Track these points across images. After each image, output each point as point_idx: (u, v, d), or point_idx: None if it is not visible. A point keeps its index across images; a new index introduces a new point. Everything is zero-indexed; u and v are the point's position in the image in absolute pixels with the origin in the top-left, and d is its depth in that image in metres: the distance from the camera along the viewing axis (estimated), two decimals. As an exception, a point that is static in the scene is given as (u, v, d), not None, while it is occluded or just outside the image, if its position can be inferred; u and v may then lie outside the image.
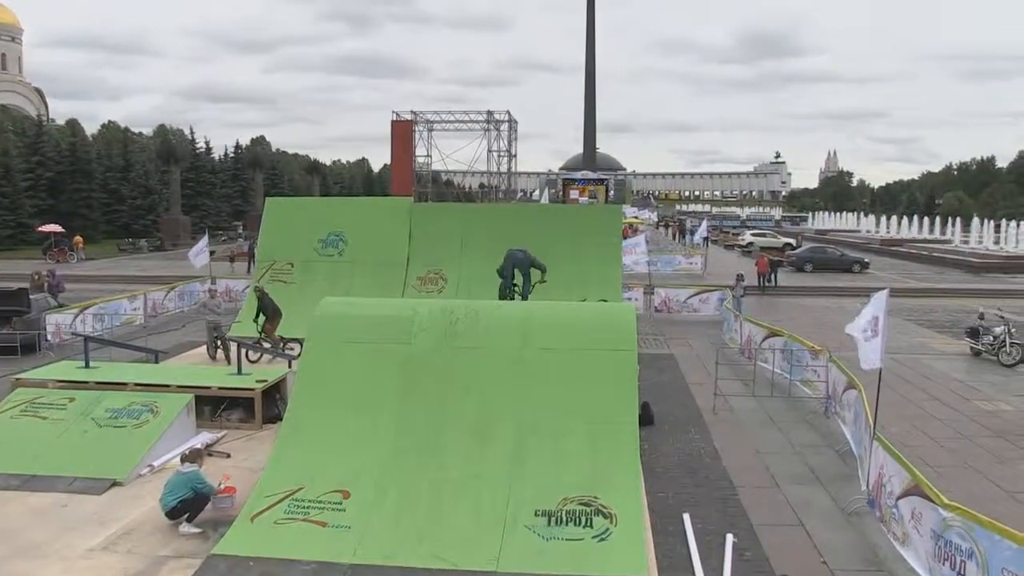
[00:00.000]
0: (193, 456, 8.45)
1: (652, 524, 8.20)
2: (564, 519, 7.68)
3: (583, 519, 7.67)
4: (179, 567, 7.25)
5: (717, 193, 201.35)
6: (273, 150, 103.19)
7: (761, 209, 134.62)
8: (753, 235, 51.30)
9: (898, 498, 7.68)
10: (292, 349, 14.75)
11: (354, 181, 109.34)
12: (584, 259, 17.35)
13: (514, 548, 7.38)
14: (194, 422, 10.81)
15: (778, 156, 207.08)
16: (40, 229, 44.20)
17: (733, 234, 58.92)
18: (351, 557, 7.33)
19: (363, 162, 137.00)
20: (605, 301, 14.15)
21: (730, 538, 8.13)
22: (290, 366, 13.30)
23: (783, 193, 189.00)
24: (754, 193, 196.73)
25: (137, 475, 9.38)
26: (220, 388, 11.42)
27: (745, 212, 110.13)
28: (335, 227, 18.76)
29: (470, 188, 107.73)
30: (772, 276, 30.55)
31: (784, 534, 8.42)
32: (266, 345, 15.28)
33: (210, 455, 9.63)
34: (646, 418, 11.77)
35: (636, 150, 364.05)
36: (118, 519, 8.24)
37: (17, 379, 11.60)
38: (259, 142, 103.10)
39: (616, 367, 9.06)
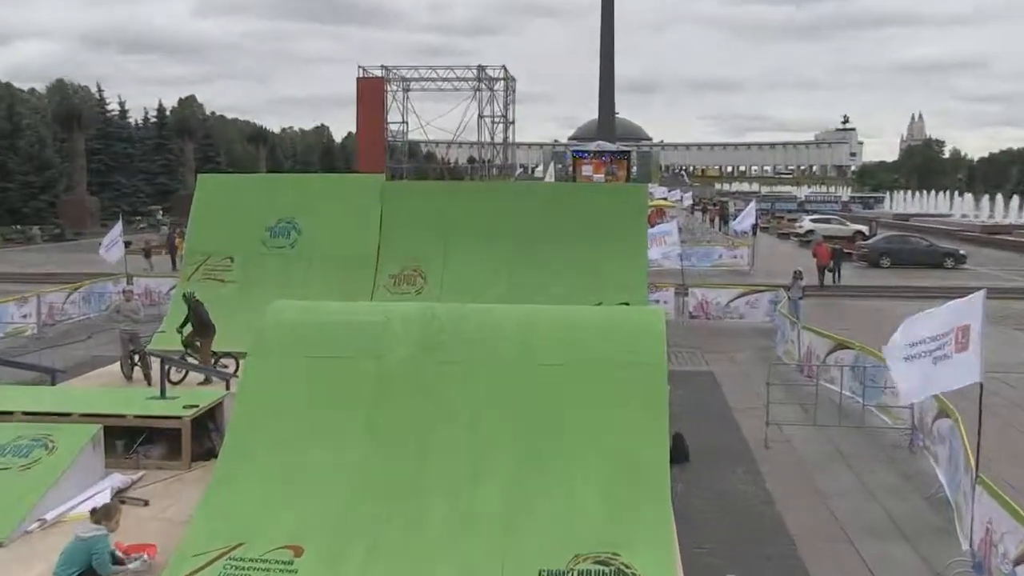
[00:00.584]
0: (103, 515, 8.11)
1: (689, 589, 8.14)
2: (577, 583, 7.61)
3: (601, 583, 7.60)
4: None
5: (767, 169, 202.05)
6: (207, 113, 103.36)
7: (824, 188, 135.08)
8: (814, 221, 51.47)
9: (1016, 562, 7.62)
10: (227, 367, 14.68)
11: (311, 153, 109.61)
12: (600, 252, 17.35)
13: (513, 620, 7.33)
14: (102, 461, 10.70)
15: (846, 121, 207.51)
16: None
17: (788, 220, 59.26)
18: (304, 631, 7.27)
19: (322, 130, 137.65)
20: (627, 304, 14.14)
21: (788, 607, 8.10)
22: (228, 388, 13.25)
23: (852, 168, 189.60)
24: (815, 168, 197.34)
25: (23, 532, 9.20)
26: (137, 416, 11.32)
27: (804, 192, 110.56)
28: (286, 212, 18.77)
29: (457, 162, 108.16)
30: (836, 269, 30.55)
31: (858, 602, 8.40)
32: (194, 362, 15.21)
33: (123, 503, 9.53)
34: (679, 453, 11.77)
35: (664, 115, 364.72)
36: (-3, 590, 8.13)
37: None
38: (188, 104, 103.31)
39: (641, 388, 9.03)
